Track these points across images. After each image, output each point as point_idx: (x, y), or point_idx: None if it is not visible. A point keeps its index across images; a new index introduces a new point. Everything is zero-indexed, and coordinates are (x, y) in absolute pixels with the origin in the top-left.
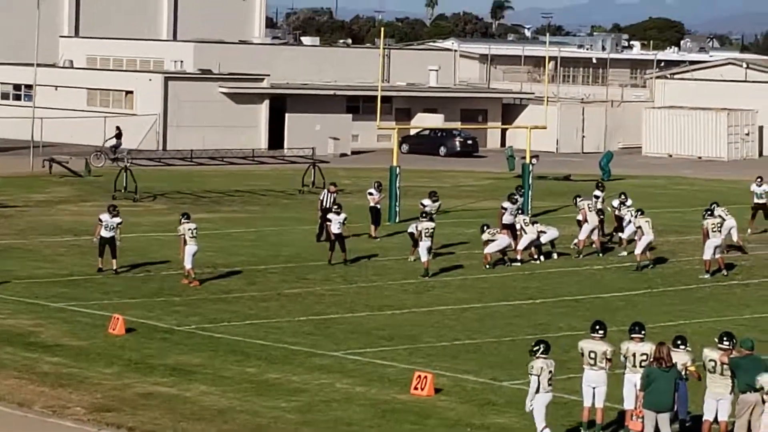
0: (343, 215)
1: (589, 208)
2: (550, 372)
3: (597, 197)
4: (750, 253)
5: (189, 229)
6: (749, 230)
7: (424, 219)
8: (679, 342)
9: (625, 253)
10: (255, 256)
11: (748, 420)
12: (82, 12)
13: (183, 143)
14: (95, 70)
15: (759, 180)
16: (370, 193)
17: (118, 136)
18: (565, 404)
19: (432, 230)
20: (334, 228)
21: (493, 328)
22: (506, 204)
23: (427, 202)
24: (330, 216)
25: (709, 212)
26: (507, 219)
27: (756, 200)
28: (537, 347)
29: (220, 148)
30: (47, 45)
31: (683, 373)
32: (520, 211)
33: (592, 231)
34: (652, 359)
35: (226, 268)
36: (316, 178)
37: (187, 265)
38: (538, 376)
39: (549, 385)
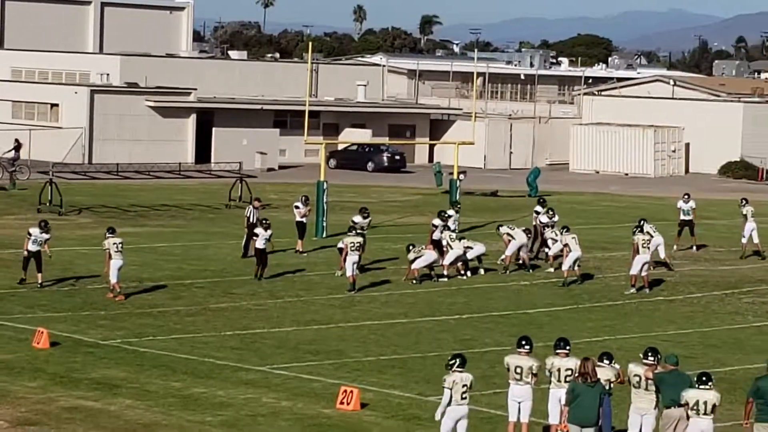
0: (269, 232)
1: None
2: (465, 386)
3: (537, 213)
4: (676, 269)
5: (114, 243)
6: (675, 246)
7: (351, 234)
8: (604, 357)
9: (551, 269)
10: (181, 270)
11: None
12: (6, 24)
13: (109, 157)
14: (20, 82)
15: (686, 197)
16: (297, 207)
17: (17, 148)
18: (491, 419)
19: (359, 244)
20: (259, 243)
21: (420, 344)
22: (436, 221)
23: (357, 218)
24: (257, 231)
25: (639, 228)
26: (436, 236)
27: (682, 216)
28: (453, 361)
29: (146, 161)
30: None
31: (608, 388)
32: (446, 227)
33: (519, 248)
34: (577, 374)
35: (152, 282)
36: (243, 192)
37: (113, 279)
38: (450, 389)
39: (462, 398)
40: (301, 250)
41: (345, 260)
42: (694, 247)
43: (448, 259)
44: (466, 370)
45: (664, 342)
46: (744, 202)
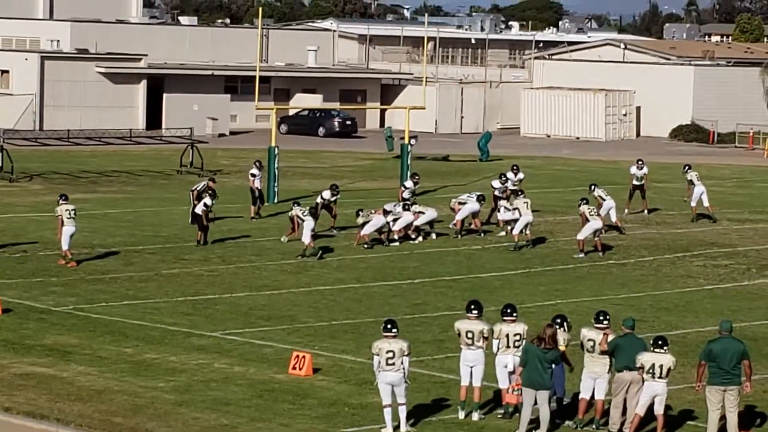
0: (211, 201)
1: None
2: (390, 351)
3: (505, 179)
4: (627, 233)
5: (66, 210)
6: (626, 210)
7: (296, 206)
8: (558, 320)
9: (503, 234)
10: (133, 236)
11: (624, 398)
12: None
13: (60, 123)
14: None
15: (640, 163)
16: (253, 174)
17: None
18: (443, 383)
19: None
20: (198, 208)
21: (372, 308)
22: (408, 183)
23: (326, 194)
24: (205, 200)
25: (584, 200)
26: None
27: (635, 182)
28: (382, 326)
29: (97, 128)
30: None
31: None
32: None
33: (472, 213)
34: (534, 337)
35: (103, 248)
36: (194, 158)
37: (64, 246)
38: (377, 354)
39: (388, 364)
40: (252, 215)
41: (294, 230)
42: (646, 211)
43: (399, 225)
44: (399, 336)
45: (615, 305)
46: (687, 168)
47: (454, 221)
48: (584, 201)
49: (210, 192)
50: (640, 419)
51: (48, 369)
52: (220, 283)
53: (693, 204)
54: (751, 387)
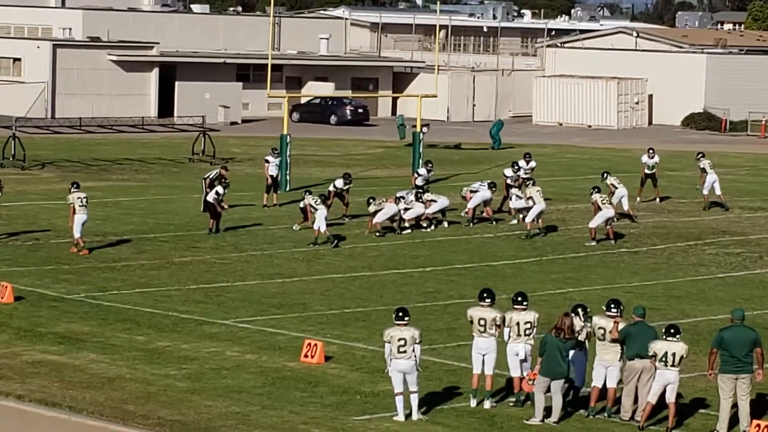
0: (222, 190)
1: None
2: (402, 339)
3: (518, 167)
4: (639, 221)
5: (78, 198)
6: (638, 198)
7: (308, 195)
8: (580, 309)
9: (515, 222)
10: (145, 224)
11: (635, 386)
12: None
13: (72, 111)
14: None
15: (651, 152)
16: (267, 161)
17: None
18: (455, 371)
19: (323, 199)
20: (209, 196)
21: (383, 297)
22: (422, 171)
23: (339, 183)
24: (217, 188)
25: (596, 189)
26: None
27: (646, 171)
28: (394, 314)
29: (109, 116)
30: None
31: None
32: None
33: (484, 201)
34: (552, 328)
35: (115, 236)
36: (206, 146)
37: (76, 234)
38: (389, 342)
39: (400, 352)
40: (266, 203)
41: (306, 219)
42: (657, 199)
43: (411, 214)
44: (411, 324)
45: (627, 294)
46: (700, 155)
47: (466, 209)
48: (596, 189)
49: (222, 180)
50: (652, 407)
51: (60, 357)
52: (232, 271)
53: (705, 192)
54: (763, 375)
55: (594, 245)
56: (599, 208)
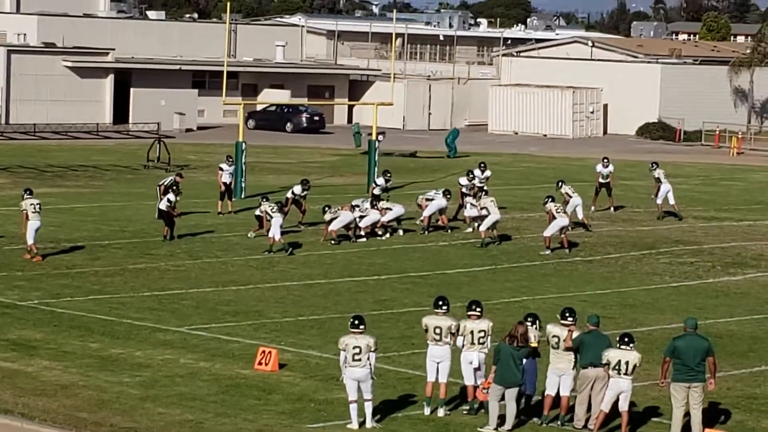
0: (174, 197)
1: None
2: (357, 347)
3: (472, 176)
4: (593, 230)
5: (31, 204)
6: (593, 207)
7: (265, 201)
8: (530, 318)
9: (470, 230)
10: (99, 231)
11: (589, 395)
12: None
13: (26, 117)
14: None
15: (605, 161)
16: (221, 168)
17: None
18: (409, 379)
19: (279, 206)
20: (161, 204)
21: (338, 304)
22: (380, 180)
23: (297, 189)
24: (169, 196)
25: (550, 198)
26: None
27: (601, 180)
28: (350, 322)
29: (64, 122)
30: None
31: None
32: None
33: (439, 209)
34: (506, 335)
35: (69, 243)
36: (161, 153)
37: (30, 240)
38: (343, 350)
39: (355, 360)
40: (220, 210)
41: (261, 226)
42: (612, 208)
43: (366, 222)
44: (366, 332)
45: (581, 302)
46: (654, 165)
47: (422, 218)
48: (550, 198)
49: (173, 188)
50: (605, 416)
51: (12, 363)
52: (186, 279)
53: (659, 202)
54: (715, 384)
55: (549, 254)
56: (554, 217)
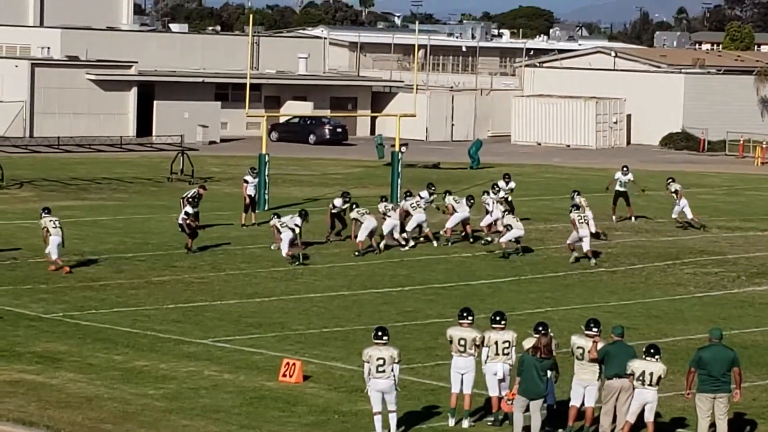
0: (192, 210)
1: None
2: (381, 359)
3: (498, 188)
4: (617, 240)
5: (51, 221)
6: (614, 217)
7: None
8: (540, 328)
9: (490, 238)
10: (123, 243)
11: (614, 406)
12: None
13: (50, 130)
14: None
15: (625, 169)
16: (246, 180)
17: None
18: (433, 391)
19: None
20: (180, 218)
21: (362, 316)
22: (423, 194)
23: (338, 202)
24: (186, 208)
25: (575, 206)
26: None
27: (618, 187)
28: (373, 334)
29: (87, 135)
30: None
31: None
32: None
33: (462, 220)
34: (531, 348)
35: (93, 255)
36: (184, 165)
37: (54, 255)
38: (367, 362)
39: (379, 371)
40: (244, 222)
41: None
42: (633, 218)
43: (386, 228)
44: (390, 343)
45: (606, 313)
46: (670, 180)
47: (444, 229)
48: (575, 207)
49: (190, 200)
50: (630, 426)
51: (37, 376)
52: (210, 291)
53: (674, 216)
54: (740, 395)
55: (573, 261)
56: (576, 226)
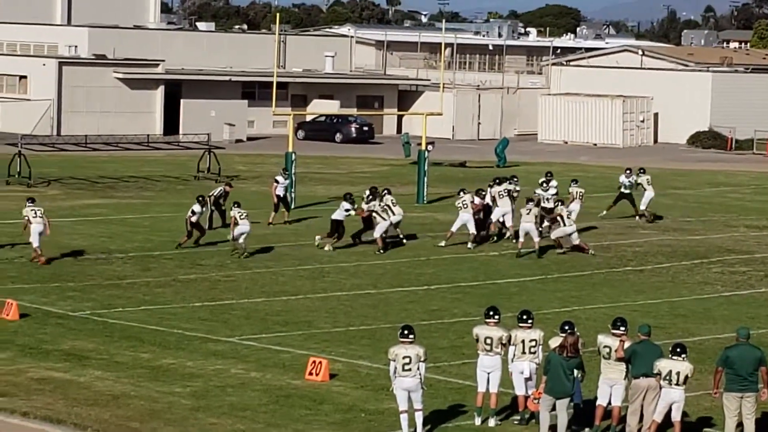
0: (200, 208)
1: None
2: (407, 357)
3: (546, 186)
4: (644, 239)
5: (32, 210)
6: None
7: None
8: (566, 327)
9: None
10: (150, 242)
11: (641, 405)
12: None
13: (77, 128)
14: None
15: (628, 172)
16: (276, 181)
17: None
18: (460, 389)
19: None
20: (193, 217)
21: (388, 314)
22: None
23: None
24: (194, 207)
25: (560, 201)
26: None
27: (623, 190)
28: (399, 332)
29: (114, 133)
30: None
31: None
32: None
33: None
34: (557, 347)
35: (120, 254)
36: (211, 164)
37: (34, 244)
38: (393, 360)
39: (405, 370)
40: (270, 221)
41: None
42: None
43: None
44: (416, 342)
45: (632, 312)
46: (641, 171)
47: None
48: (560, 202)
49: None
50: (657, 426)
51: (65, 374)
52: (236, 289)
53: (642, 207)
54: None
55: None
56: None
